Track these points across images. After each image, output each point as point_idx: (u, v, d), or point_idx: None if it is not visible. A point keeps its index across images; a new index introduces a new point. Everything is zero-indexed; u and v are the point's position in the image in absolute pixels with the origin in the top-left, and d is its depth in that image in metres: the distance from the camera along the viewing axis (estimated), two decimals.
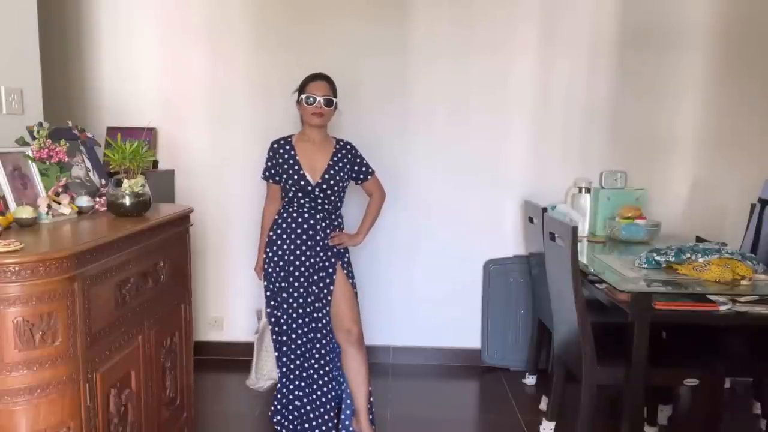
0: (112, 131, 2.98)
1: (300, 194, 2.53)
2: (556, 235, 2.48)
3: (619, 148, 3.33)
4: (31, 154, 2.01)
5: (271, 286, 2.58)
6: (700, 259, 2.37)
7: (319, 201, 2.55)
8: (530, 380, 3.28)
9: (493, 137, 3.34)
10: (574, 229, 2.29)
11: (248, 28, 3.29)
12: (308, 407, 2.56)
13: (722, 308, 2.21)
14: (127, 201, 2.00)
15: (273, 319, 2.60)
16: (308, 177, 2.52)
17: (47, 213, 1.88)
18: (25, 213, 1.77)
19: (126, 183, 2.02)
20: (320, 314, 2.53)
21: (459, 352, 3.50)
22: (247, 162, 3.37)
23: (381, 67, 3.30)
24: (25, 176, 1.97)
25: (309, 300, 2.53)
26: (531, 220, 3.09)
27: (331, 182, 2.54)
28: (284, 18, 3.27)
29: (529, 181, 3.37)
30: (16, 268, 1.42)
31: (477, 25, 3.26)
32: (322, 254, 2.53)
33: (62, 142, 2.09)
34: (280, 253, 2.54)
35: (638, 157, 3.33)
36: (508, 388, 3.22)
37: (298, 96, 2.57)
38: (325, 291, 2.53)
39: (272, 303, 2.59)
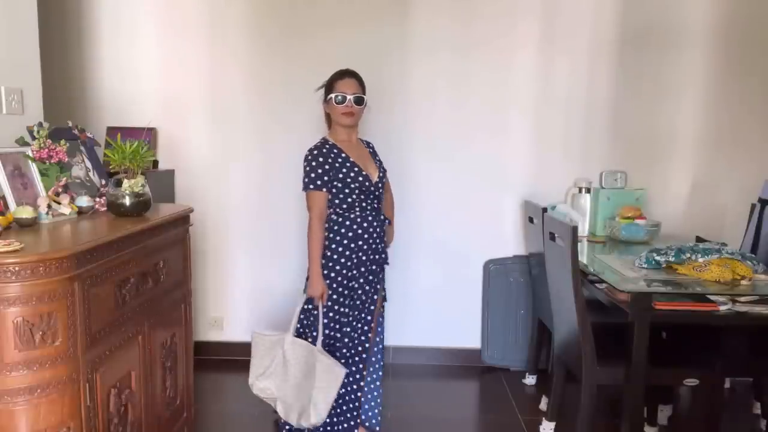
0: (112, 131, 2.97)
1: (363, 196, 2.35)
2: (556, 235, 2.48)
3: (619, 148, 3.33)
4: (31, 154, 2.01)
5: (340, 308, 2.35)
6: (700, 259, 2.37)
7: (377, 201, 2.42)
8: (530, 380, 3.28)
9: (493, 137, 3.34)
10: (574, 229, 2.29)
11: (249, 27, 3.29)
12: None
13: (722, 308, 2.21)
14: (127, 201, 2.00)
15: (329, 348, 2.36)
16: (370, 177, 2.38)
17: (47, 213, 1.88)
18: (25, 213, 1.77)
19: (126, 183, 2.02)
20: (370, 317, 2.44)
21: (459, 352, 3.50)
22: (247, 162, 3.38)
23: (381, 66, 3.30)
24: (25, 176, 1.97)
25: (370, 309, 2.43)
26: (531, 220, 3.09)
27: (384, 179, 2.46)
28: (285, 16, 3.27)
29: (529, 181, 3.37)
30: (16, 268, 1.42)
31: (477, 25, 3.26)
32: (376, 258, 2.43)
33: (62, 142, 2.09)
34: (354, 270, 2.36)
35: (638, 157, 3.33)
36: (508, 388, 3.22)
37: (326, 95, 2.41)
38: (375, 297, 2.44)
39: (336, 326, 2.36)
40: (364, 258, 2.37)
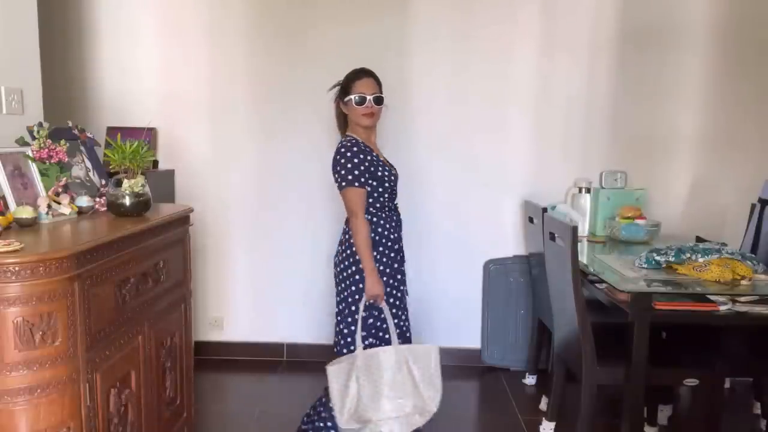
0: (112, 131, 2.97)
1: (393, 194, 2.37)
2: (556, 235, 2.48)
3: (619, 148, 3.33)
4: (31, 154, 2.01)
5: (392, 309, 2.31)
6: (700, 259, 2.37)
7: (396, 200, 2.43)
8: (530, 380, 3.28)
9: (493, 137, 3.34)
10: (574, 229, 2.29)
11: (248, 26, 3.29)
12: None
13: (722, 308, 2.21)
14: (127, 201, 2.00)
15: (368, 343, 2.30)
16: (394, 177, 2.38)
17: (47, 213, 1.88)
18: (25, 213, 1.77)
19: (126, 183, 2.02)
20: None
21: (459, 352, 3.50)
22: (247, 161, 3.38)
23: (380, 66, 3.28)
24: (25, 176, 1.97)
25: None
26: (531, 220, 3.09)
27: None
28: (283, 15, 3.27)
29: (529, 181, 3.36)
30: (16, 268, 1.42)
31: (477, 25, 3.26)
32: (403, 256, 2.42)
33: (62, 142, 2.09)
34: (398, 267, 2.36)
35: (638, 157, 3.33)
36: (508, 388, 3.22)
37: (342, 95, 2.33)
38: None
39: (378, 325, 2.32)
40: (400, 256, 2.38)
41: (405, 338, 2.39)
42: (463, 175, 3.38)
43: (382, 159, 2.34)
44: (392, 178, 2.33)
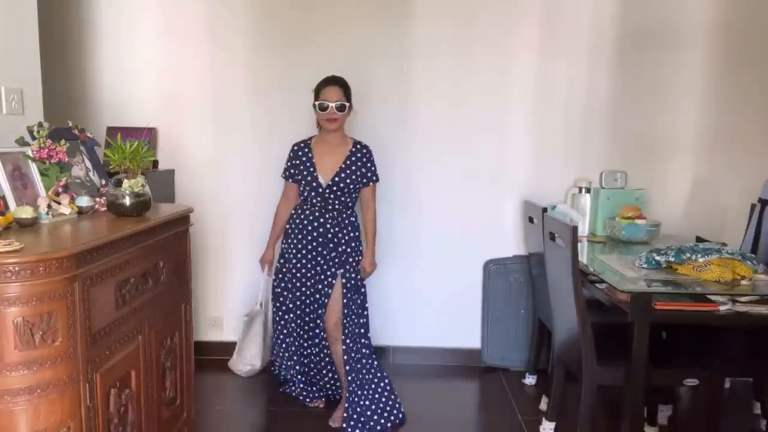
0: (112, 131, 2.98)
1: (312, 194, 2.70)
2: (556, 235, 2.48)
3: (619, 148, 3.33)
4: (31, 154, 2.01)
5: (280, 275, 2.83)
6: (700, 259, 2.37)
7: (330, 201, 2.67)
8: (530, 380, 3.28)
9: (493, 137, 3.34)
10: (574, 229, 2.29)
11: (249, 27, 3.29)
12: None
13: (722, 308, 2.21)
14: (127, 201, 2.00)
15: (278, 302, 2.87)
16: (320, 179, 2.68)
17: (47, 213, 1.88)
18: (25, 213, 1.77)
19: (126, 183, 2.02)
20: (318, 313, 2.73)
21: (459, 352, 3.50)
22: (247, 161, 3.38)
23: (381, 67, 3.30)
24: (25, 176, 1.97)
25: (309, 301, 2.75)
26: (531, 220, 3.09)
27: (341, 184, 2.66)
28: (285, 16, 3.27)
29: (529, 181, 3.37)
30: (16, 268, 1.42)
31: (477, 25, 3.26)
32: (328, 259, 2.70)
33: (62, 142, 2.09)
34: (294, 245, 2.75)
35: (638, 157, 3.33)
36: (508, 388, 3.22)
37: (313, 101, 2.70)
38: (324, 299, 2.72)
39: (278, 290, 2.86)
40: (310, 247, 2.74)
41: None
42: (463, 176, 3.37)
43: (316, 163, 2.71)
44: (309, 178, 2.69)
